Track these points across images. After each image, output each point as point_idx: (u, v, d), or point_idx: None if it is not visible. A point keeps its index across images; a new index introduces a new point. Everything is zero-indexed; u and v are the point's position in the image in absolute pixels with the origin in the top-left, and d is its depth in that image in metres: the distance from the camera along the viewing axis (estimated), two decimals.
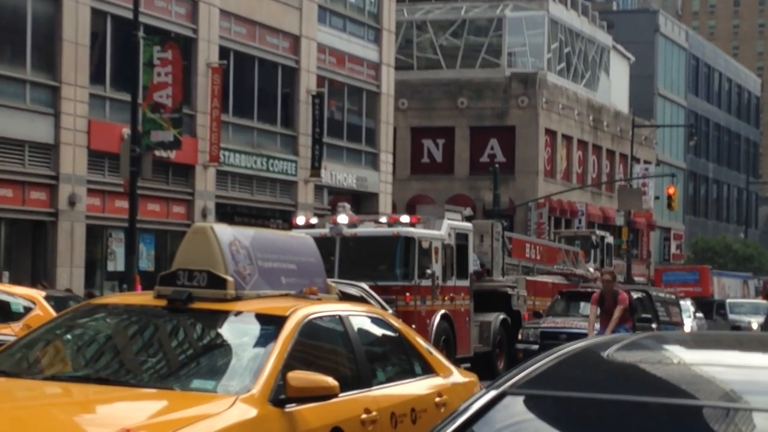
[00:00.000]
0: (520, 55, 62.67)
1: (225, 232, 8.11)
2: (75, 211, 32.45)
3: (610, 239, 46.98)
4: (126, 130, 30.68)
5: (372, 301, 21.37)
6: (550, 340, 25.11)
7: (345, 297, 19.86)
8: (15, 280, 26.82)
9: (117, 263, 33.76)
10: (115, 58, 33.98)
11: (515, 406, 3.35)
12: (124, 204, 31.59)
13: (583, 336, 24.71)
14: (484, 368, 26.49)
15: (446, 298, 25.43)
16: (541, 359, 3.59)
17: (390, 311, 21.54)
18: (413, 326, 21.96)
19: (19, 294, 16.82)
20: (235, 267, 7.91)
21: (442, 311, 25.05)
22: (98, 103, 33.58)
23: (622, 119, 69.19)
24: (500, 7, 62.45)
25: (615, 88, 72.12)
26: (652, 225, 73.88)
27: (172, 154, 34.39)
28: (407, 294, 23.96)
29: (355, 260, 24.15)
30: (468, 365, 26.19)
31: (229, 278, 7.81)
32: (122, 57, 32.74)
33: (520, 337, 28.06)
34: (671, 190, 57.11)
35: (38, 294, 17.24)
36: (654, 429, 3.20)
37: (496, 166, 50.01)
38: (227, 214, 36.77)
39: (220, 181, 38.40)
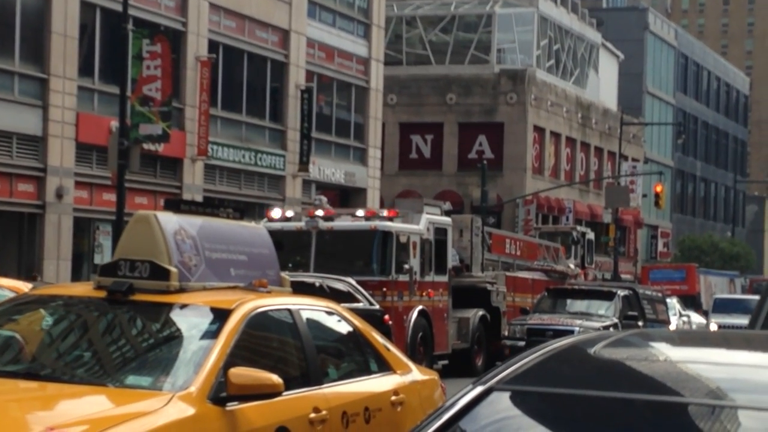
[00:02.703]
0: (509, 51, 62.70)
1: (170, 220, 7.74)
2: (62, 203, 32.39)
3: (591, 235, 47.07)
4: (114, 123, 30.63)
5: (359, 296, 21.37)
6: (537, 336, 25.15)
7: (332, 292, 19.91)
8: (1, 273, 26.72)
9: (104, 256, 33.69)
10: (103, 51, 33.92)
11: (502, 401, 3.35)
12: (111, 197, 31.53)
13: (570, 333, 24.78)
14: (463, 365, 26.44)
15: (424, 293, 25.20)
16: (528, 355, 3.59)
17: (377, 307, 21.56)
18: (390, 322, 21.86)
19: (5, 286, 16.78)
20: (179, 257, 7.52)
21: (420, 307, 24.79)
22: (87, 95, 33.52)
23: (610, 117, 69.28)
24: (490, 3, 62.47)
25: (604, 85, 72.21)
26: (639, 223, 74.00)
27: (161, 148, 34.33)
28: (384, 289, 23.66)
29: (331, 254, 23.78)
30: (446, 362, 26.22)
31: (173, 269, 7.43)
32: (111, 49, 32.68)
33: (506, 333, 28.05)
34: (659, 188, 57.24)
35: (25, 286, 17.18)
36: (640, 426, 3.20)
37: (485, 162, 50.02)
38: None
39: (208, 174, 38.37)
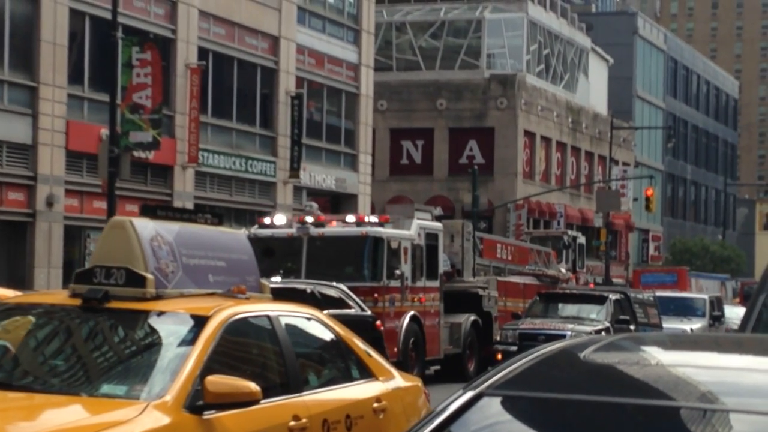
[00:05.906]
0: (499, 56, 62.74)
1: (146, 226, 7.59)
2: (53, 211, 32.33)
3: (582, 240, 47.11)
4: (104, 131, 30.59)
5: (351, 302, 21.34)
6: (529, 341, 25.12)
7: (324, 298, 19.89)
8: None
9: None
10: (93, 59, 33.88)
11: (492, 407, 3.34)
12: (102, 205, 31.47)
13: (562, 337, 24.78)
14: (455, 370, 26.43)
15: (415, 299, 25.19)
16: (518, 360, 3.58)
17: (368, 313, 21.53)
18: (382, 328, 21.84)
19: None
20: (156, 264, 7.41)
21: (412, 312, 24.78)
22: (76, 103, 33.47)
23: (600, 121, 69.35)
24: (479, 8, 62.52)
25: (594, 89, 72.27)
26: (630, 226, 74.07)
27: (151, 155, 34.31)
28: (375, 295, 23.61)
29: (322, 260, 23.76)
30: (438, 367, 26.18)
31: (149, 276, 7.31)
32: (101, 57, 32.63)
33: (498, 338, 28.04)
34: (649, 192, 57.30)
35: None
36: (631, 430, 3.20)
37: (475, 167, 50.03)
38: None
39: (199, 182, 38.32)
